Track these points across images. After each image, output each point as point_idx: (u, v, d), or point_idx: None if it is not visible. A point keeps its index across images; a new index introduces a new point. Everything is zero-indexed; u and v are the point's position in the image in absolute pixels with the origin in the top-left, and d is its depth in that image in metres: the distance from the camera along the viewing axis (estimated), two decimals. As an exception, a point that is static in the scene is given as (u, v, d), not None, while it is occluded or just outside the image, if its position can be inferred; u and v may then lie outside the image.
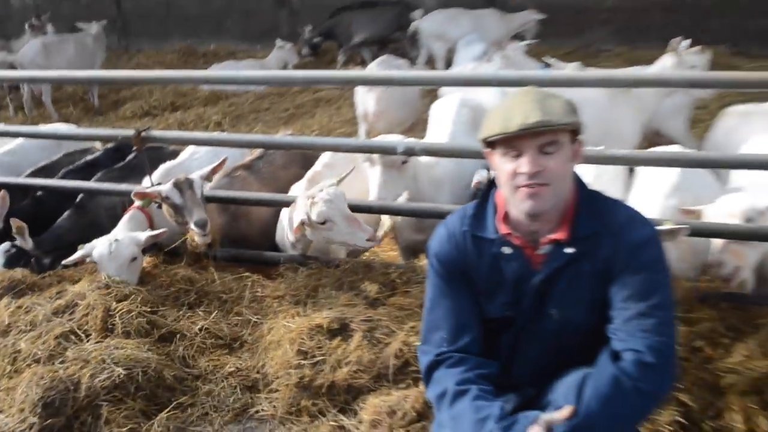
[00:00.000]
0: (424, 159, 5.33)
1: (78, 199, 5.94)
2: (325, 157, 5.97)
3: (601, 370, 2.57)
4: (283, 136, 7.25)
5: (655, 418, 3.41)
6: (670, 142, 6.74)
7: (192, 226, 4.95)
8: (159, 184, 5.38)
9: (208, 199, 5.30)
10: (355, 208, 4.88)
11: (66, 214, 5.82)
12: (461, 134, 5.91)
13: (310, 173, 5.74)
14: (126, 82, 11.98)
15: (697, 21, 12.57)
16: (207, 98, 13.23)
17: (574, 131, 2.65)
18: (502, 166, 2.64)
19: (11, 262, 5.39)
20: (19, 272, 5.22)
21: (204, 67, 14.60)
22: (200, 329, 4.55)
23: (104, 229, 5.32)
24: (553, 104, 2.57)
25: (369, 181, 5.22)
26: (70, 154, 6.91)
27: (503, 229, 2.77)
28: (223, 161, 5.47)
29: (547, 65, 8.59)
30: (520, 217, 2.72)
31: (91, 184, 6.03)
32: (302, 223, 4.68)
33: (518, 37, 12.49)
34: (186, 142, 6.81)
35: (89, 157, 6.69)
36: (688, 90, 7.20)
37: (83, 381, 3.94)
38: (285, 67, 14.32)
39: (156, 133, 5.72)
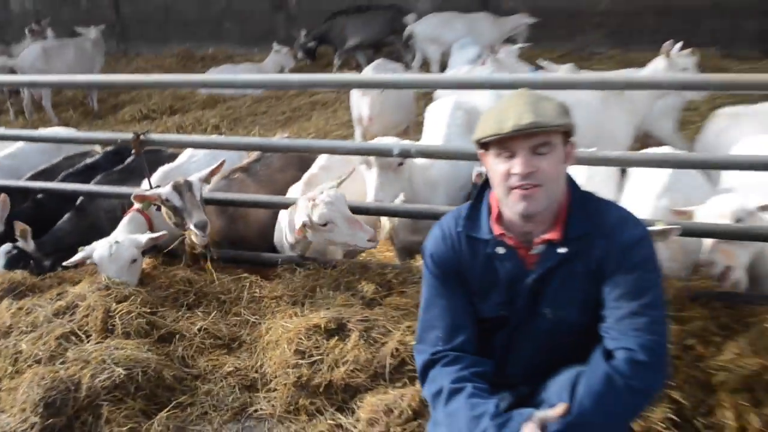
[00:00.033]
0: (420, 161, 5.34)
1: (78, 202, 5.94)
2: (321, 159, 5.98)
3: (593, 368, 2.58)
4: (280, 138, 7.28)
5: (647, 415, 3.42)
6: (660, 143, 6.76)
7: (192, 227, 4.95)
8: (158, 186, 5.38)
9: (207, 202, 5.30)
10: (354, 210, 4.88)
11: (66, 216, 5.82)
12: (456, 136, 5.92)
13: (306, 175, 5.75)
14: (125, 86, 11.91)
15: (689, 24, 12.62)
16: (205, 102, 13.25)
17: (567, 133, 2.65)
18: (496, 167, 2.65)
19: (12, 263, 5.38)
20: (19, 274, 5.22)
21: (202, 71, 14.58)
22: (199, 330, 4.55)
23: (104, 231, 5.32)
24: (546, 106, 2.58)
25: (366, 183, 5.24)
26: (70, 158, 6.91)
27: (497, 230, 2.78)
28: (222, 163, 5.47)
29: (540, 68, 8.60)
30: (513, 218, 2.73)
31: (91, 186, 6.03)
32: (304, 225, 4.69)
33: (510, 40, 12.52)
34: (184, 145, 6.81)
35: (89, 160, 6.69)
36: (680, 92, 7.22)
37: (84, 381, 3.94)
38: (282, 70, 14.32)
39: (154, 136, 5.72)
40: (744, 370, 3.53)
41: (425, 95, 9.84)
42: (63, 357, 4.24)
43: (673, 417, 3.43)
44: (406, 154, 4.93)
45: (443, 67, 11.98)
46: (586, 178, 4.92)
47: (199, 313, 4.74)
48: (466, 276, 2.86)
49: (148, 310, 4.62)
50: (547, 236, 2.72)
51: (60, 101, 14.22)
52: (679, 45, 7.05)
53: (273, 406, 3.99)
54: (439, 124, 6.12)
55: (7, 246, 5.43)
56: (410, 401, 3.65)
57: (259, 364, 4.26)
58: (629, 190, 5.16)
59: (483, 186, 2.91)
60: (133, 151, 5.83)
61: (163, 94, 13.60)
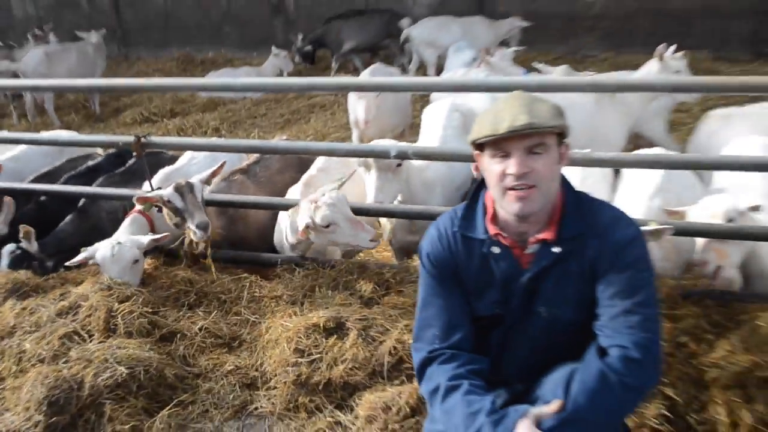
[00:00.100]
0: (416, 162, 5.35)
1: (80, 204, 5.94)
2: (319, 161, 5.99)
3: (588, 365, 2.58)
4: (279, 141, 7.28)
5: (641, 411, 3.43)
6: (651, 144, 6.78)
7: (194, 228, 4.95)
8: (159, 188, 5.38)
9: (208, 203, 5.30)
10: (354, 211, 4.88)
11: (68, 218, 5.82)
12: (452, 138, 5.93)
13: (305, 177, 5.76)
14: (126, 90, 11.98)
15: (680, 27, 12.66)
16: (205, 105, 13.26)
17: (561, 134, 2.66)
18: (491, 167, 2.65)
19: (15, 263, 5.39)
20: (23, 274, 5.23)
21: (202, 75, 14.61)
22: (200, 329, 4.55)
23: (106, 232, 5.32)
24: (541, 108, 2.58)
25: (366, 185, 5.24)
26: (72, 160, 6.91)
27: (492, 230, 2.78)
28: (222, 165, 5.47)
29: (535, 70, 8.61)
30: (508, 218, 2.73)
31: (93, 188, 6.03)
32: (307, 227, 4.69)
33: (503, 43, 12.57)
34: (185, 148, 6.82)
35: (91, 163, 6.69)
36: (671, 94, 7.24)
37: (87, 380, 3.94)
38: (280, 74, 14.35)
39: (155, 139, 5.71)
40: (736, 367, 3.54)
41: (422, 98, 9.86)
42: (66, 356, 4.23)
43: (667, 413, 3.43)
44: (403, 156, 4.93)
45: (439, 70, 11.98)
46: (581, 178, 4.94)
47: (200, 312, 4.74)
48: (462, 275, 2.86)
49: (150, 310, 4.62)
50: (542, 236, 2.72)
51: (62, 104, 14.21)
52: (672, 48, 7.07)
53: (273, 403, 3.99)
54: (435, 126, 6.13)
55: (11, 246, 5.44)
56: (408, 398, 3.66)
57: (259, 362, 4.26)
58: (623, 191, 5.17)
59: (478, 186, 2.91)
60: (134, 154, 5.83)
61: (163, 98, 13.61)
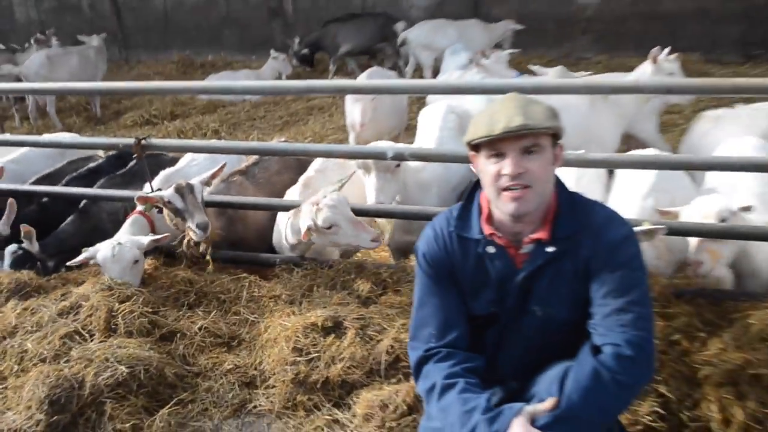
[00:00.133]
0: (412, 163, 5.34)
1: (81, 205, 5.93)
2: (317, 162, 5.98)
3: (581, 363, 2.58)
4: (277, 142, 7.27)
5: (635, 408, 3.43)
6: (641, 144, 6.78)
7: (194, 228, 4.95)
8: (159, 189, 5.38)
9: (208, 204, 5.29)
10: (355, 212, 4.87)
11: (70, 219, 5.81)
12: (448, 139, 5.92)
13: (303, 178, 5.75)
14: (127, 93, 11.96)
15: (672, 30, 12.67)
16: (205, 107, 13.24)
17: (555, 135, 2.66)
18: (487, 168, 2.65)
19: (17, 263, 5.37)
20: (25, 275, 5.21)
21: (201, 78, 14.61)
22: (200, 328, 4.54)
23: (106, 233, 5.31)
24: (535, 109, 2.59)
25: (365, 187, 5.24)
26: (73, 162, 6.89)
27: (487, 230, 2.78)
28: (222, 166, 5.46)
29: (530, 72, 8.61)
30: (503, 218, 2.73)
31: (94, 190, 6.02)
32: (309, 229, 4.68)
33: (497, 46, 12.60)
34: (185, 150, 6.80)
35: (92, 165, 6.67)
36: (666, 96, 7.25)
37: (87, 379, 3.93)
38: (279, 76, 14.35)
39: (155, 141, 5.71)
40: (728, 365, 3.54)
41: (418, 100, 9.85)
42: (67, 356, 4.22)
43: (660, 410, 3.43)
44: (400, 157, 4.93)
45: (436, 73, 11.99)
46: (575, 179, 4.94)
47: (199, 312, 4.73)
48: (458, 275, 2.86)
49: (150, 310, 4.61)
50: (536, 236, 2.72)
51: (64, 107, 14.19)
52: (666, 51, 7.08)
53: (272, 402, 3.98)
54: (431, 127, 6.12)
55: (13, 246, 5.42)
56: (405, 397, 3.65)
57: (258, 361, 4.25)
58: (616, 191, 5.17)
59: (474, 187, 2.91)
60: (134, 156, 5.82)
61: (163, 100, 13.59)
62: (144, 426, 3.84)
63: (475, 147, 2.69)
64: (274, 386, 4.05)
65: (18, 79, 12.56)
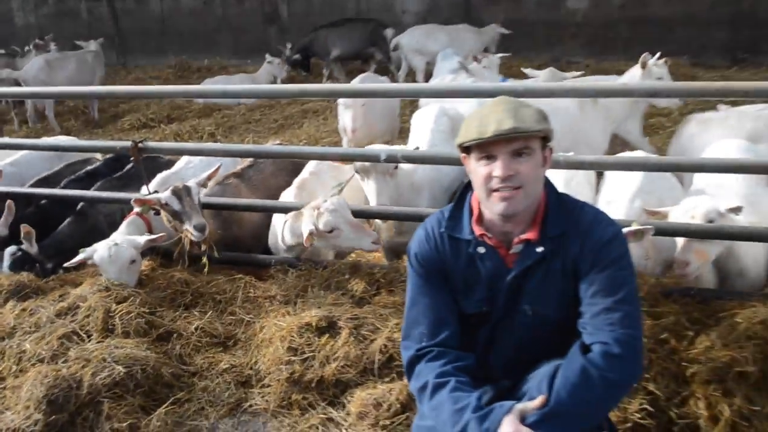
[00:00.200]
0: (405, 166, 5.34)
1: (79, 207, 5.91)
2: (311, 164, 5.97)
3: (571, 361, 2.58)
4: (272, 145, 7.26)
5: (624, 406, 3.44)
6: (627, 144, 6.80)
7: (191, 229, 4.94)
8: (156, 192, 5.36)
9: (205, 206, 5.27)
10: (354, 214, 4.87)
11: (67, 221, 5.79)
12: (440, 142, 5.92)
13: (298, 180, 5.75)
14: (124, 97, 11.93)
15: (660, 34, 12.72)
16: (201, 111, 13.23)
17: (545, 138, 2.66)
18: (478, 170, 2.65)
19: (16, 264, 5.36)
20: (24, 276, 5.20)
21: (198, 82, 14.59)
22: (196, 328, 4.54)
23: (104, 235, 5.28)
24: (526, 112, 2.58)
25: (364, 190, 5.25)
26: (71, 165, 6.87)
27: (478, 230, 2.78)
28: (217, 169, 5.46)
29: (522, 76, 8.64)
30: (494, 219, 2.73)
31: (92, 192, 6.01)
32: (311, 234, 4.67)
33: (485, 50, 12.63)
34: (181, 152, 6.78)
35: (89, 168, 6.66)
36: (651, 99, 7.27)
37: (85, 379, 3.93)
38: (274, 80, 14.34)
39: (152, 144, 5.70)
40: (715, 363, 3.54)
41: (411, 103, 9.85)
42: (65, 356, 4.22)
43: (649, 407, 3.44)
44: (393, 159, 4.93)
45: (428, 77, 11.99)
46: (565, 180, 4.94)
47: (195, 312, 4.73)
48: (449, 274, 2.85)
49: (147, 310, 4.61)
50: (526, 236, 2.72)
51: (62, 111, 14.17)
52: (656, 55, 7.09)
53: (267, 401, 3.99)
54: (424, 130, 6.12)
55: (12, 248, 5.41)
56: (398, 395, 3.66)
57: (253, 361, 4.25)
58: (605, 192, 5.16)
59: (465, 188, 2.91)
60: (132, 159, 5.81)
61: (160, 104, 13.59)
62: (141, 425, 3.84)
63: (466, 149, 2.69)
64: (269, 385, 4.06)
65: (17, 84, 12.54)
